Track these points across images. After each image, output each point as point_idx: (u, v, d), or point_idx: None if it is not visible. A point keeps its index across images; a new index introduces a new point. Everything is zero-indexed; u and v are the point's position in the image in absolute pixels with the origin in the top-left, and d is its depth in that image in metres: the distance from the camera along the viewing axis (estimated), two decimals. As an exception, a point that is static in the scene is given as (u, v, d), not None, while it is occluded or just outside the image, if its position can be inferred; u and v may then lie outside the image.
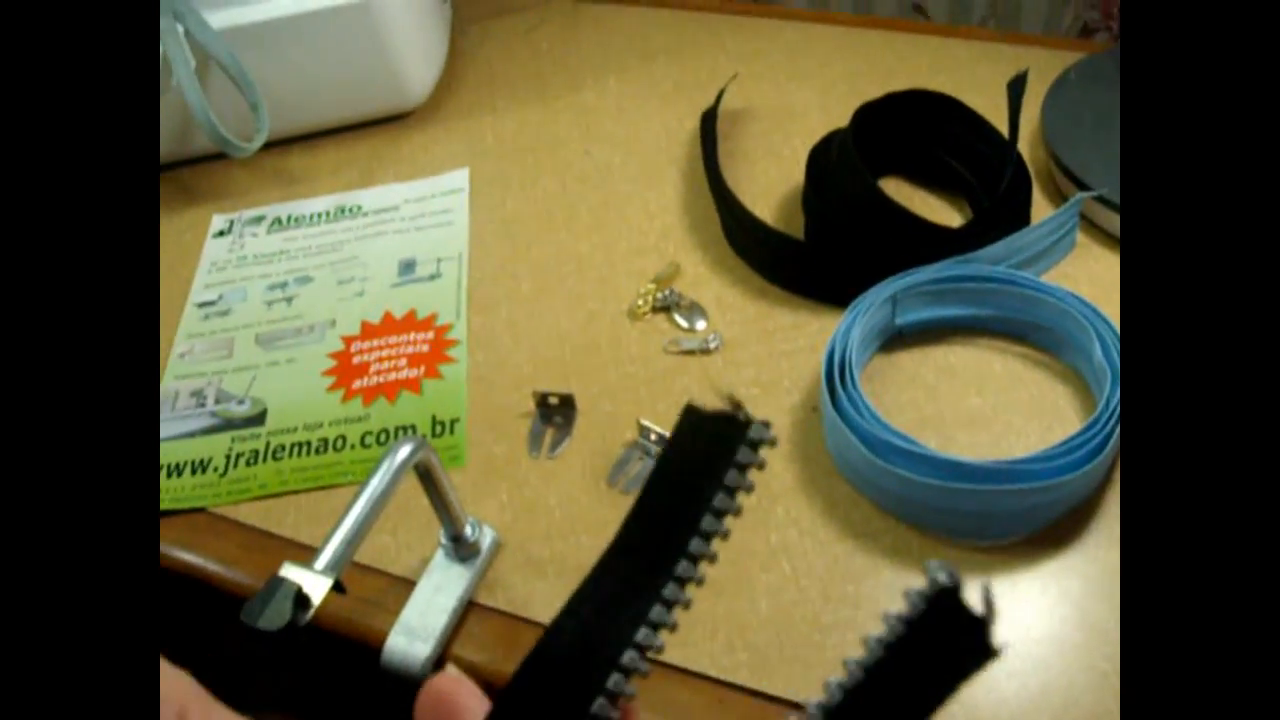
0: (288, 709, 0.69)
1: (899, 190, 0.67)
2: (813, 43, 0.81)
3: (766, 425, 0.24)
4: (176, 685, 0.31)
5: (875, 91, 0.64)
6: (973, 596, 0.22)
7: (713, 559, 0.25)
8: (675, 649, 0.47)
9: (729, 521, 0.25)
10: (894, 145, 0.65)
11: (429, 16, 0.81)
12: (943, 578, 0.22)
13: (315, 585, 0.39)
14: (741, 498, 0.24)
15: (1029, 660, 0.45)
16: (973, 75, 0.73)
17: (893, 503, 0.50)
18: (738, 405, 0.24)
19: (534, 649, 0.25)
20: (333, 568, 0.40)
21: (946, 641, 0.23)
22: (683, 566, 0.25)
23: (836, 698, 0.24)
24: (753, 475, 0.24)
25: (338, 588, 0.40)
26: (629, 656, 0.25)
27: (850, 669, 0.23)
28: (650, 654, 0.25)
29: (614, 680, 0.24)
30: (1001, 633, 0.21)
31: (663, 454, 0.25)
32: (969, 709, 0.44)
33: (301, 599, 0.39)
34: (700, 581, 0.25)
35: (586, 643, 0.25)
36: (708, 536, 0.25)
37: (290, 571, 0.40)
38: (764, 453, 0.24)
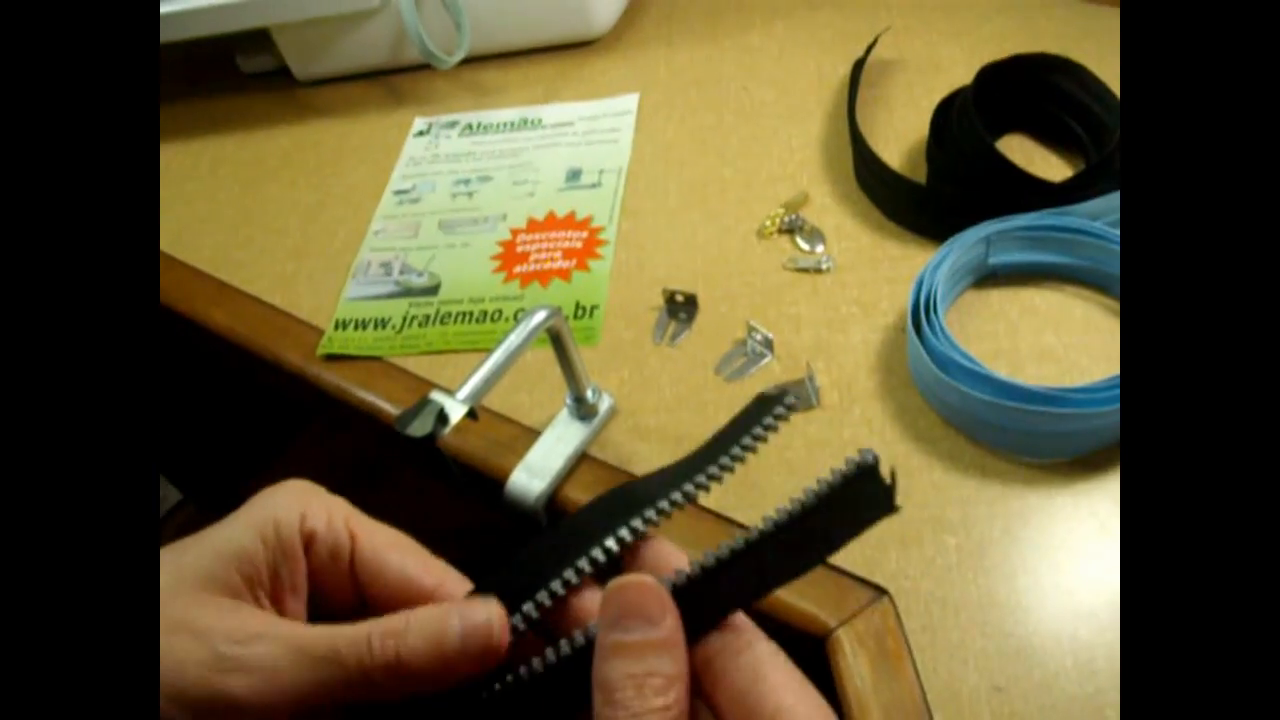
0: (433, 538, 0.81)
1: (1020, 146, 0.72)
2: (974, 2, 0.86)
3: (788, 403, 0.37)
4: (338, 503, 0.40)
5: (1020, 52, 0.70)
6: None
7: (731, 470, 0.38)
8: (744, 511, 0.56)
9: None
10: (1018, 103, 0.71)
11: (620, -46, 0.90)
12: (868, 457, 0.33)
13: (454, 408, 0.49)
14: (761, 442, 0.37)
15: (1048, 562, 0.52)
16: (1117, 43, 0.77)
17: (953, 414, 0.57)
18: (783, 393, 0.37)
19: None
20: (470, 398, 0.50)
21: (862, 497, 0.33)
22: (712, 469, 0.38)
23: (769, 527, 0.34)
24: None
25: (471, 414, 0.50)
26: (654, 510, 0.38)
27: (785, 508, 0.34)
28: (669, 508, 0.38)
29: (648, 514, 0.37)
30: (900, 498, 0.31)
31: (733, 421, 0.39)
32: (987, 594, 0.51)
33: (442, 416, 0.49)
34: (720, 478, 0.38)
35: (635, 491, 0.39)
36: (731, 459, 0.38)
37: (436, 395, 0.50)
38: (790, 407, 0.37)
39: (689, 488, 0.38)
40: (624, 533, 0.37)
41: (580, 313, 0.67)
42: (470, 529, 0.94)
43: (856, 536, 0.34)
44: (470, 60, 0.89)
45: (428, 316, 0.69)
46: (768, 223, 0.70)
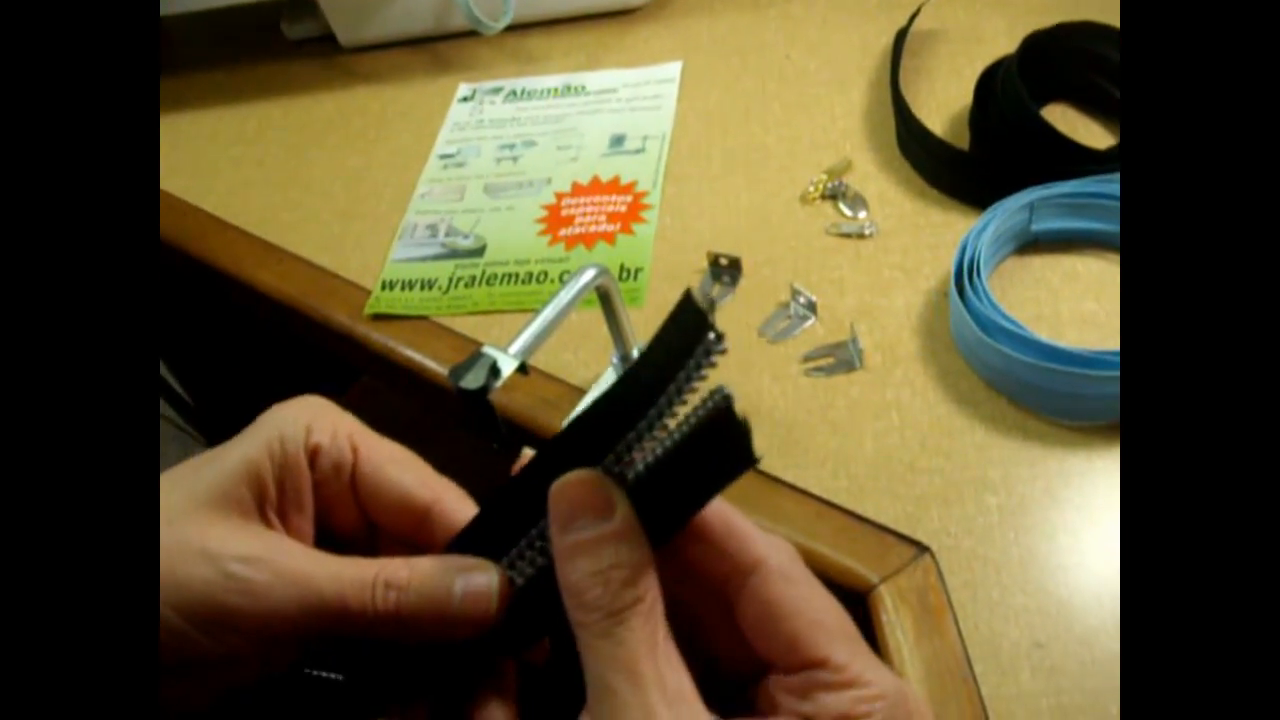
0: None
1: (1064, 114, 0.72)
2: (1017, -27, 0.86)
3: (719, 339, 0.31)
4: (345, 418, 0.40)
5: (1064, 20, 0.70)
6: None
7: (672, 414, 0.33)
8: (790, 470, 0.57)
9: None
10: (1062, 72, 0.71)
11: (665, -78, 0.90)
12: (719, 396, 0.30)
13: (506, 362, 0.50)
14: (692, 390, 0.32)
15: (1089, 522, 0.52)
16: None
17: (995, 377, 0.58)
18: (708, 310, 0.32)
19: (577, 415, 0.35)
20: (521, 353, 0.51)
21: (720, 447, 0.31)
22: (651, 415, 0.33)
23: (639, 469, 0.33)
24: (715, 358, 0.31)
25: (522, 369, 0.51)
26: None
27: (650, 454, 0.32)
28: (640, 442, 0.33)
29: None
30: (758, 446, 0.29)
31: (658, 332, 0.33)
32: (1028, 552, 0.52)
33: (494, 370, 0.50)
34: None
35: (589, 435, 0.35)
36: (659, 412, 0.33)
37: (489, 349, 0.51)
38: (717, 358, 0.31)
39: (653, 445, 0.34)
40: None
41: (625, 275, 0.68)
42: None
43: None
44: (515, 27, 0.90)
45: (474, 278, 0.70)
46: (811, 188, 0.71)
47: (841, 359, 0.60)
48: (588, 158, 0.78)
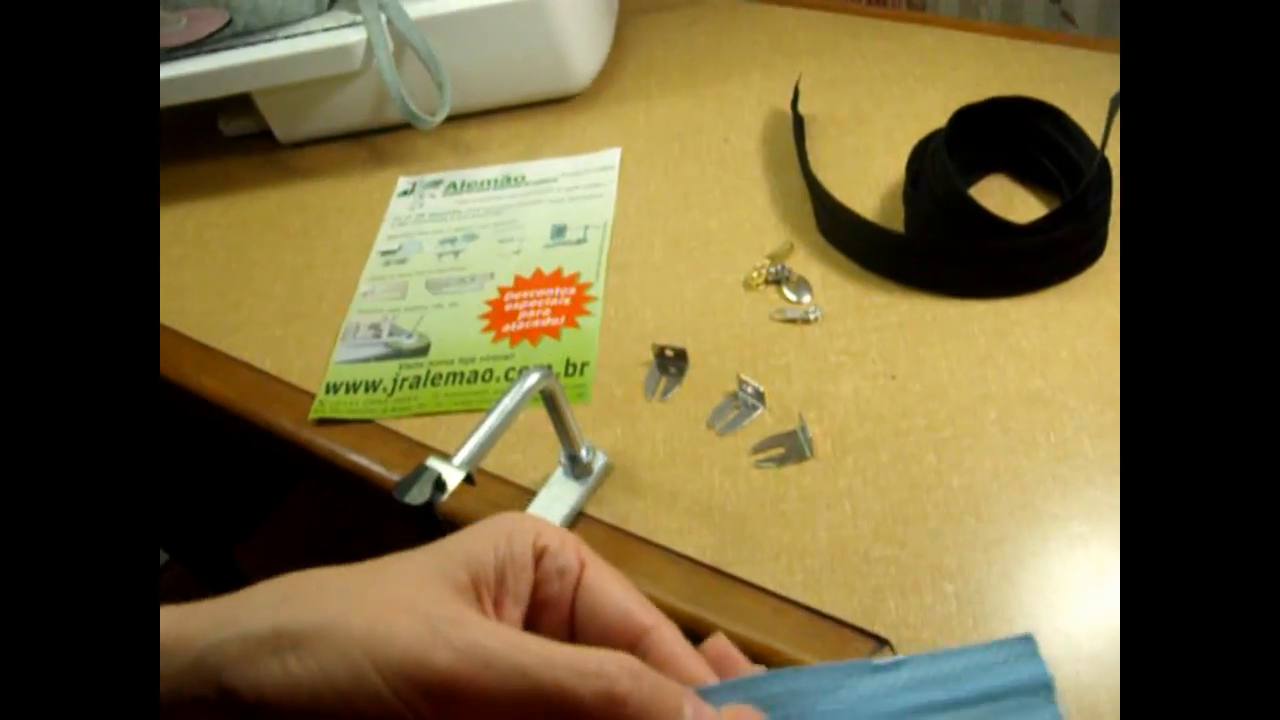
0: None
1: (1001, 186, 0.73)
2: (953, 47, 0.87)
3: None
4: (570, 534, 0.39)
5: (995, 95, 0.71)
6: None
7: None
8: (743, 565, 0.56)
9: None
10: (997, 144, 0.72)
11: (598, 11, 0.91)
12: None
13: (451, 475, 0.50)
14: None
15: (1046, 606, 0.52)
16: (1095, 86, 0.79)
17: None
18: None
19: None
20: (466, 463, 0.50)
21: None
22: None
23: None
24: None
25: (468, 480, 0.50)
26: None
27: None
28: None
29: None
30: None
31: None
32: (987, 640, 0.51)
33: (440, 483, 0.49)
34: None
35: None
36: None
37: (433, 462, 0.50)
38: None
39: None
40: None
41: (571, 370, 0.68)
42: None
43: None
44: (453, 118, 0.90)
45: (419, 378, 0.70)
46: (754, 274, 0.71)
47: (792, 449, 0.60)
48: (530, 250, 0.78)
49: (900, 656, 0.32)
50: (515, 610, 0.37)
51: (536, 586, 0.37)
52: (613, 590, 0.38)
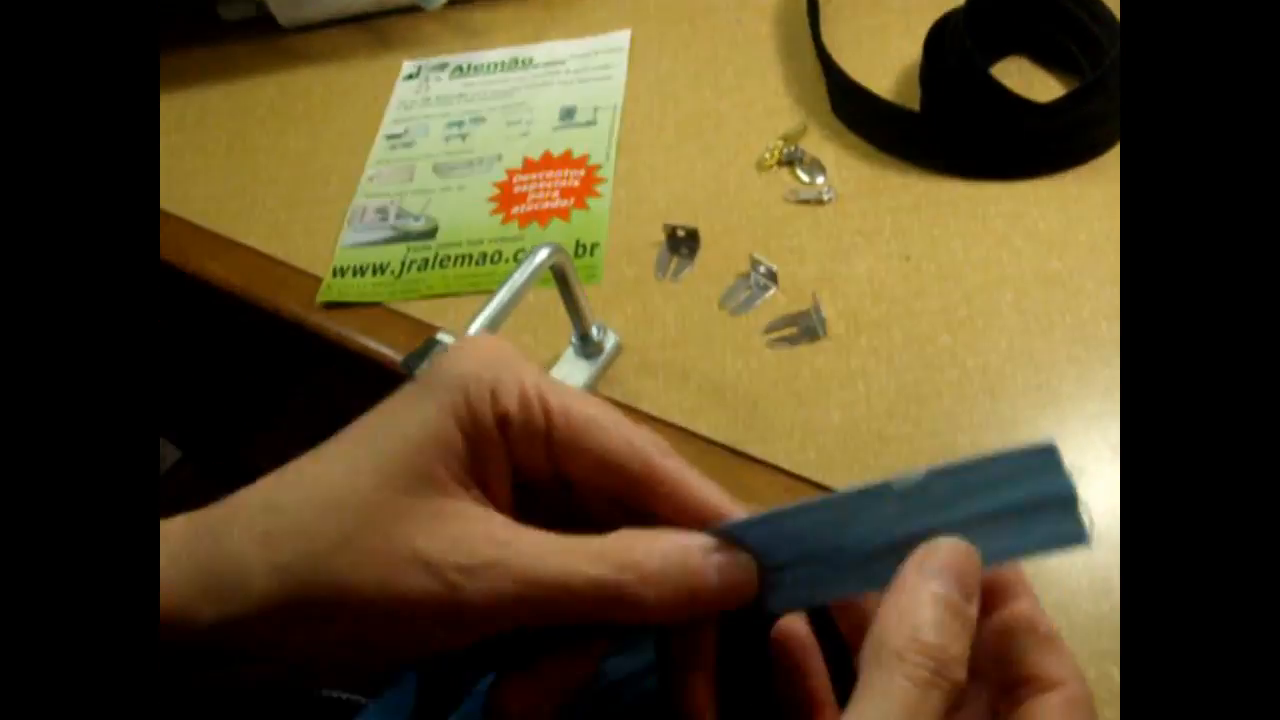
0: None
1: (1019, 68, 0.71)
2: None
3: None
4: (528, 371, 0.35)
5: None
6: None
7: None
8: (756, 443, 0.56)
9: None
10: (1016, 24, 0.70)
11: (607, -113, 0.88)
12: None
13: (462, 348, 0.49)
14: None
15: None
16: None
17: (961, 340, 0.57)
18: None
19: None
20: (477, 337, 0.50)
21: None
22: None
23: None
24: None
25: (480, 353, 0.50)
26: None
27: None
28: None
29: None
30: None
31: None
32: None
33: (450, 356, 0.49)
34: None
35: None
36: None
37: (443, 336, 0.50)
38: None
39: None
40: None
41: (581, 251, 0.67)
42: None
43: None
44: (458, 1, 0.87)
45: (427, 260, 0.69)
46: (767, 155, 0.69)
47: (804, 329, 0.59)
48: (538, 132, 0.76)
49: (915, 476, 0.31)
50: (499, 486, 0.35)
51: (509, 451, 0.34)
52: (588, 439, 0.34)
